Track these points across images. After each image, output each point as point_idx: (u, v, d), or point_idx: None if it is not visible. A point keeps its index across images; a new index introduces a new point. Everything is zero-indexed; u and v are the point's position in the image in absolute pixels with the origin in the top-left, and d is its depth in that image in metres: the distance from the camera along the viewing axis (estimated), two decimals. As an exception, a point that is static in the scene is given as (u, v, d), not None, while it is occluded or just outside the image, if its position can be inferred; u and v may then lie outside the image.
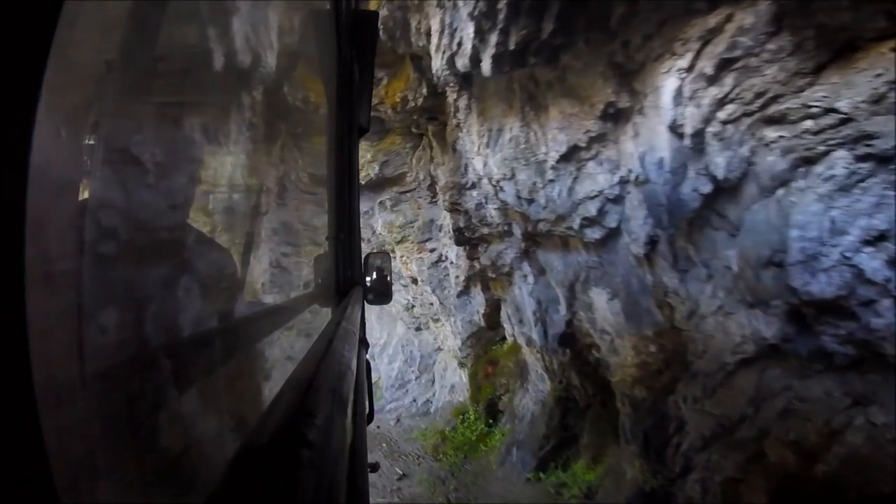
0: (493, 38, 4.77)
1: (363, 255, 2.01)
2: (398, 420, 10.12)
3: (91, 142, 0.49)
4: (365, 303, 1.90)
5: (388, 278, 2.23)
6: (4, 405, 0.25)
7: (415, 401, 10.33)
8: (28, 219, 0.26)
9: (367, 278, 2.04)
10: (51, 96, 0.27)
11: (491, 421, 9.07)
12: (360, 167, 8.11)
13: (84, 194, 0.45)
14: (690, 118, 4.73)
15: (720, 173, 4.84)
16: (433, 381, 10.39)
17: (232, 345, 1.01)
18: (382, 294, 2.16)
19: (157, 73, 0.74)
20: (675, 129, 4.84)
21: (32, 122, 0.26)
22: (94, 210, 0.47)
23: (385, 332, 11.13)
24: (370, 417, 1.52)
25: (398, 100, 7.34)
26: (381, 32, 6.38)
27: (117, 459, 0.49)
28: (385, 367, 10.80)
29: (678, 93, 4.72)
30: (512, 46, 4.76)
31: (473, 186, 6.97)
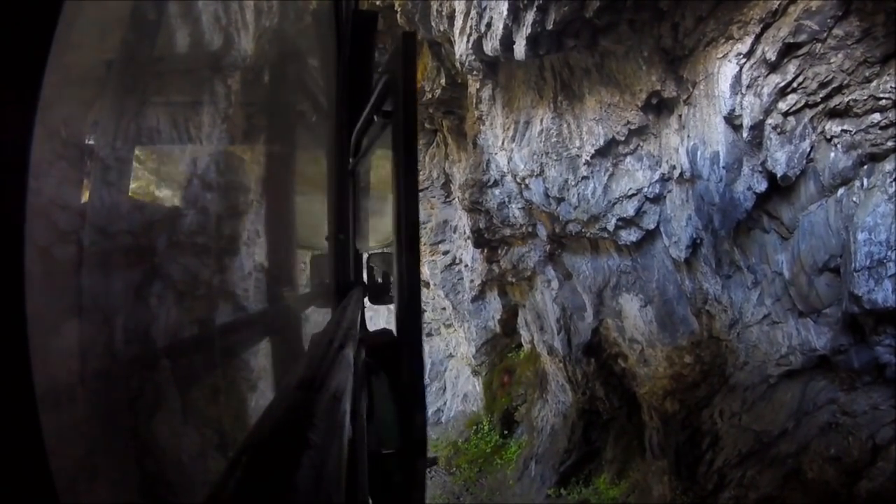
0: (530, 17, 4.29)
1: (364, 255, 2.06)
2: (407, 430, 9.62)
3: (91, 142, 0.48)
4: (368, 303, 1.94)
5: (390, 278, 2.11)
6: (4, 405, 0.25)
7: (425, 410, 9.83)
8: (28, 219, 0.26)
9: (370, 278, 2.06)
10: (51, 96, 0.26)
11: (506, 432, 8.63)
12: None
13: (84, 194, 0.44)
14: (749, 108, 4.28)
15: (780, 170, 4.38)
16: (444, 390, 9.92)
17: (232, 345, 0.99)
18: (384, 294, 2.09)
19: (156, 73, 0.71)
20: (731, 120, 4.38)
21: (32, 122, 0.25)
22: (94, 210, 0.46)
23: (393, 337, 10.64)
24: (370, 417, 1.46)
25: (414, 91, 6.83)
26: (399, 16, 5.90)
27: (116, 459, 0.48)
28: (393, 373, 10.28)
29: (736, 80, 4.26)
30: (550, 26, 4.29)
31: (496, 184, 6.49)
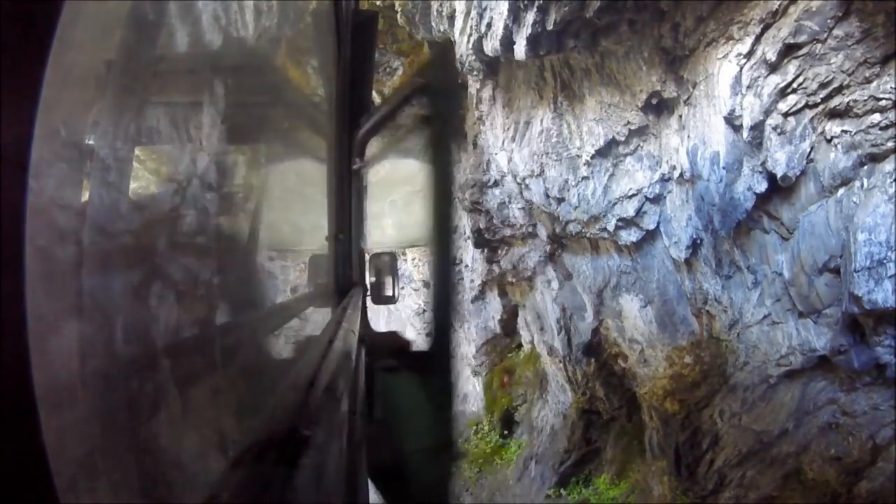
0: (530, 17, 4.29)
1: (368, 255, 2.01)
2: (408, 430, 9.62)
3: (90, 141, 0.48)
4: (370, 303, 1.89)
5: (394, 278, 2.20)
6: (4, 405, 0.25)
7: (425, 410, 9.83)
8: (28, 218, 0.26)
9: (373, 278, 2.02)
10: (51, 96, 0.27)
11: (506, 432, 8.62)
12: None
13: (84, 194, 0.44)
14: (749, 109, 4.28)
15: (780, 170, 4.38)
16: (444, 390, 9.90)
17: (232, 345, 0.99)
18: (388, 294, 2.13)
19: (156, 73, 0.72)
20: (732, 120, 4.38)
21: (33, 122, 0.25)
22: (94, 210, 0.46)
23: (393, 337, 10.64)
24: (370, 417, 1.55)
25: (414, 91, 6.83)
26: (399, 16, 5.90)
27: (116, 459, 0.48)
28: (393, 373, 10.28)
29: (736, 80, 4.26)
30: (550, 26, 4.29)
31: (496, 184, 6.49)
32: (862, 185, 4.50)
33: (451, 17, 5.33)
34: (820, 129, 4.45)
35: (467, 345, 9.01)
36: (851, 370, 5.48)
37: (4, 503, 0.26)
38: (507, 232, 6.82)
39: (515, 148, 5.82)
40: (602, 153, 5.28)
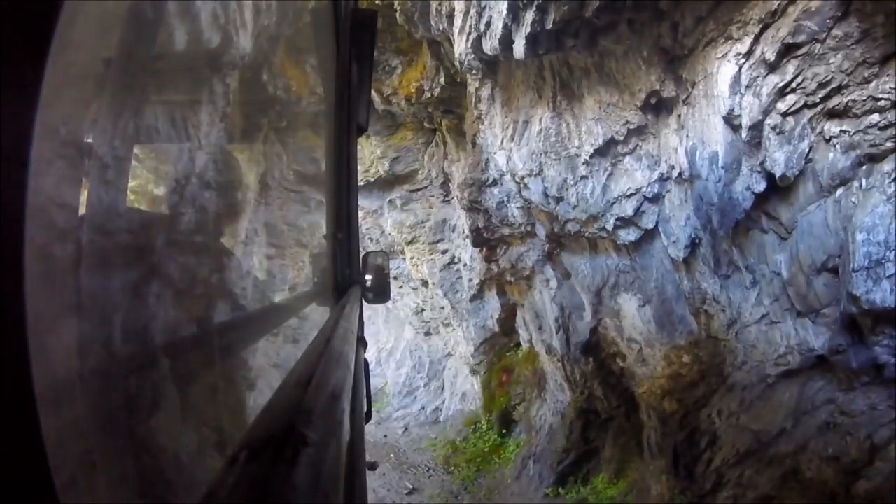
0: (529, 17, 4.29)
1: (362, 254, 2.05)
2: (406, 429, 9.64)
3: (90, 140, 0.48)
4: (364, 302, 1.92)
5: (387, 277, 2.23)
6: (4, 405, 0.25)
7: (423, 409, 9.85)
8: (28, 218, 0.26)
9: (367, 277, 2.03)
10: (50, 95, 0.27)
11: (504, 431, 8.63)
12: (369, 163, 7.55)
13: (83, 193, 0.44)
14: (748, 108, 4.28)
15: (779, 170, 4.39)
16: (443, 389, 9.92)
17: (231, 343, 0.98)
18: (381, 293, 2.15)
19: (154, 72, 0.72)
20: (730, 120, 4.38)
21: (33, 120, 0.25)
22: (93, 208, 0.47)
23: (392, 336, 10.65)
24: (368, 416, 1.56)
25: (413, 90, 6.84)
26: (398, 15, 5.89)
27: (115, 458, 0.48)
28: (392, 372, 10.31)
29: (735, 80, 4.26)
30: (549, 26, 4.28)
31: (494, 183, 6.49)
32: (860, 185, 4.50)
33: (451, 16, 5.32)
34: (819, 129, 4.45)
35: (466, 343, 9.01)
36: (849, 370, 5.49)
37: (4, 501, 0.26)
38: (506, 231, 6.83)
39: (514, 147, 5.82)
40: (601, 152, 5.29)
